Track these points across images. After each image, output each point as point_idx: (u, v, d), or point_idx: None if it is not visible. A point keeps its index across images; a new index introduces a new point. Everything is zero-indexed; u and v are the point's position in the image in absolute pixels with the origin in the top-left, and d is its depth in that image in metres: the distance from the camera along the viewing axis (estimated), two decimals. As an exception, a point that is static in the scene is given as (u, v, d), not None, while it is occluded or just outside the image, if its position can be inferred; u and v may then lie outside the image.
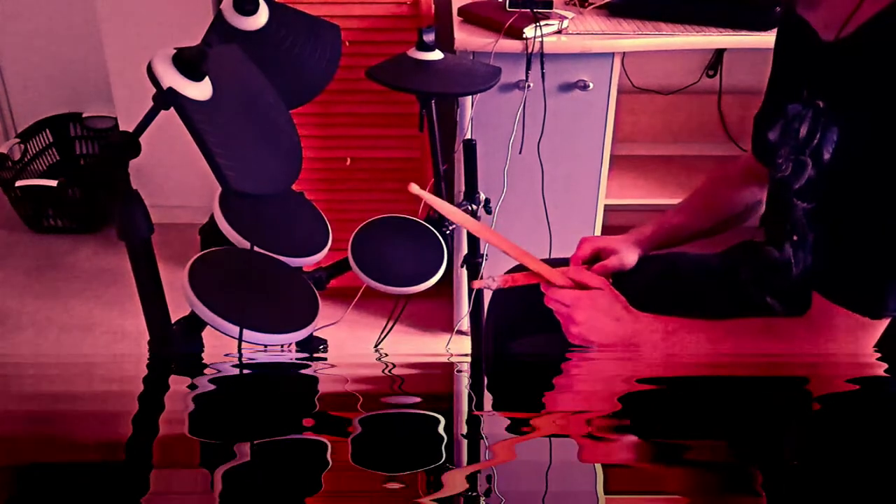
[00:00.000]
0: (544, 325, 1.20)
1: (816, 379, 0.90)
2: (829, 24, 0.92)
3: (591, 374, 0.99)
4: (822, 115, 0.93)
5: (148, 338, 1.03)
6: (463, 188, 1.62)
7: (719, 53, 2.27)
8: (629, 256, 1.22)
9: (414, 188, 1.06)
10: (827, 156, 0.91)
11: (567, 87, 1.83)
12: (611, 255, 1.20)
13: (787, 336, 0.97)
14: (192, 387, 0.89)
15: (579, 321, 1.01)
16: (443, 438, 0.72)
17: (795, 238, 1.01)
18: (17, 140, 2.63)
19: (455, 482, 0.66)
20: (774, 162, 1.04)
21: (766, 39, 1.77)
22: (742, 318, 1.02)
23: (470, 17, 1.87)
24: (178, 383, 0.90)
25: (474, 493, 0.62)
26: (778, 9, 1.74)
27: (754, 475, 0.63)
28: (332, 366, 1.07)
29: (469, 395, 0.90)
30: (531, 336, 1.25)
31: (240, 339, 1.01)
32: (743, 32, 1.80)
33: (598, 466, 0.67)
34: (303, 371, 1.02)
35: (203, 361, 1.12)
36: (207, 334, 1.10)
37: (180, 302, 1.05)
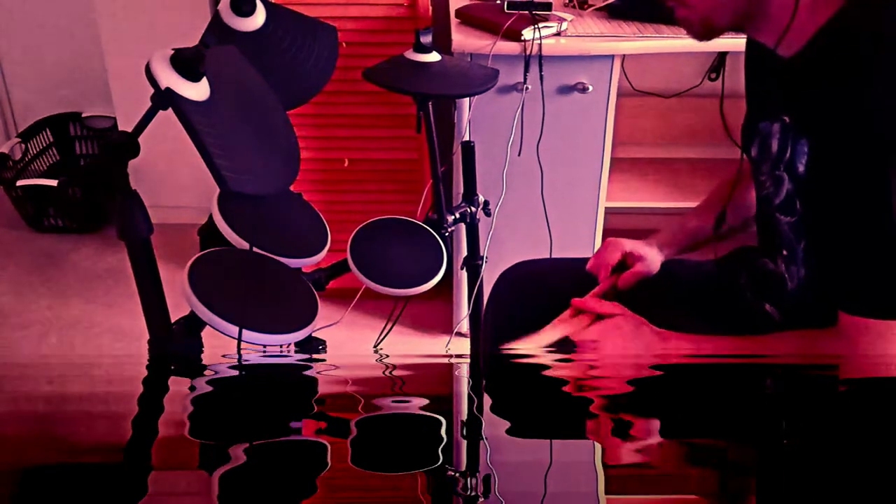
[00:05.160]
0: (543, 326, 1.20)
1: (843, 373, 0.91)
2: (780, 42, 0.95)
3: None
4: (789, 130, 0.95)
5: (148, 338, 1.04)
6: (461, 190, 1.62)
7: (722, 56, 2.26)
8: (655, 262, 1.22)
9: None
10: (801, 168, 0.93)
11: (566, 90, 1.83)
12: (637, 261, 1.21)
13: (824, 345, 0.97)
14: (192, 388, 0.89)
15: (610, 352, 1.04)
16: (442, 439, 0.73)
17: (785, 252, 1.01)
18: (18, 140, 2.63)
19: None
20: (758, 179, 1.05)
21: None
22: (773, 334, 1.02)
23: (467, 18, 1.87)
24: (177, 384, 0.90)
25: (473, 494, 0.62)
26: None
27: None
28: (334, 367, 1.07)
29: (469, 395, 0.91)
30: (531, 337, 1.26)
31: (239, 340, 1.01)
32: (745, 35, 1.79)
33: (599, 467, 0.68)
34: (302, 371, 1.02)
35: (202, 362, 1.13)
36: (207, 334, 1.10)
37: (180, 302, 1.05)
